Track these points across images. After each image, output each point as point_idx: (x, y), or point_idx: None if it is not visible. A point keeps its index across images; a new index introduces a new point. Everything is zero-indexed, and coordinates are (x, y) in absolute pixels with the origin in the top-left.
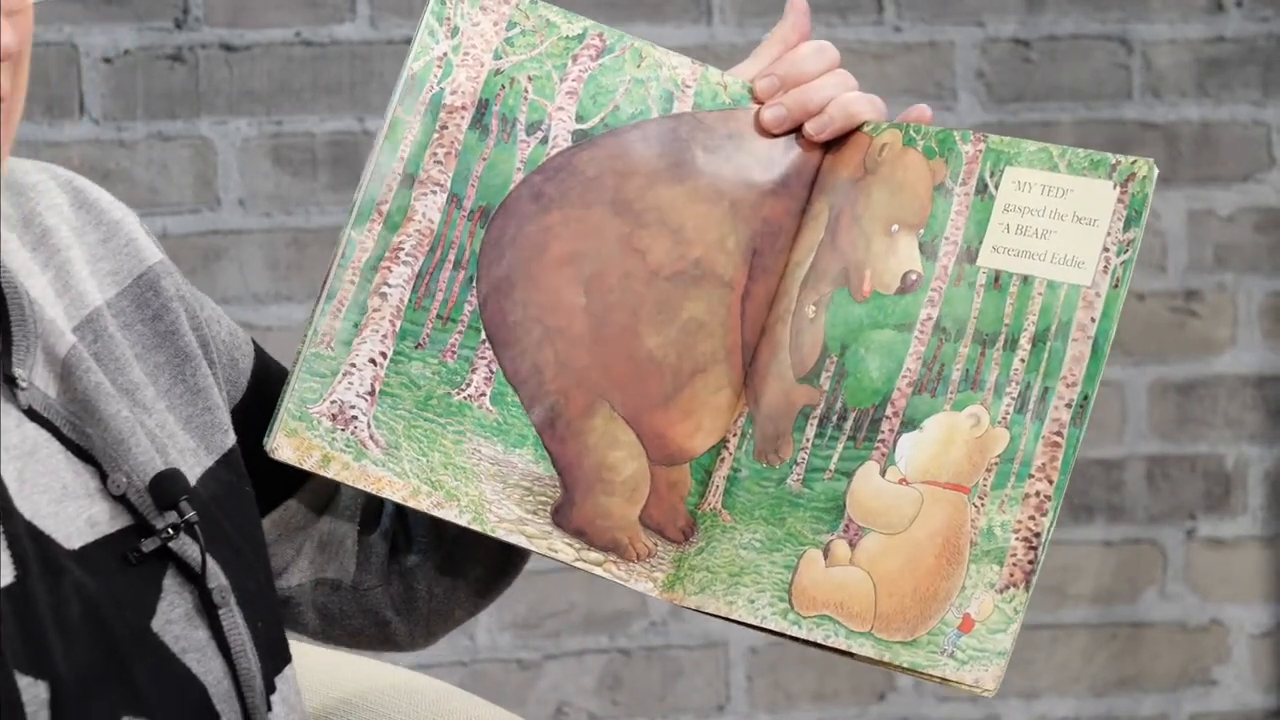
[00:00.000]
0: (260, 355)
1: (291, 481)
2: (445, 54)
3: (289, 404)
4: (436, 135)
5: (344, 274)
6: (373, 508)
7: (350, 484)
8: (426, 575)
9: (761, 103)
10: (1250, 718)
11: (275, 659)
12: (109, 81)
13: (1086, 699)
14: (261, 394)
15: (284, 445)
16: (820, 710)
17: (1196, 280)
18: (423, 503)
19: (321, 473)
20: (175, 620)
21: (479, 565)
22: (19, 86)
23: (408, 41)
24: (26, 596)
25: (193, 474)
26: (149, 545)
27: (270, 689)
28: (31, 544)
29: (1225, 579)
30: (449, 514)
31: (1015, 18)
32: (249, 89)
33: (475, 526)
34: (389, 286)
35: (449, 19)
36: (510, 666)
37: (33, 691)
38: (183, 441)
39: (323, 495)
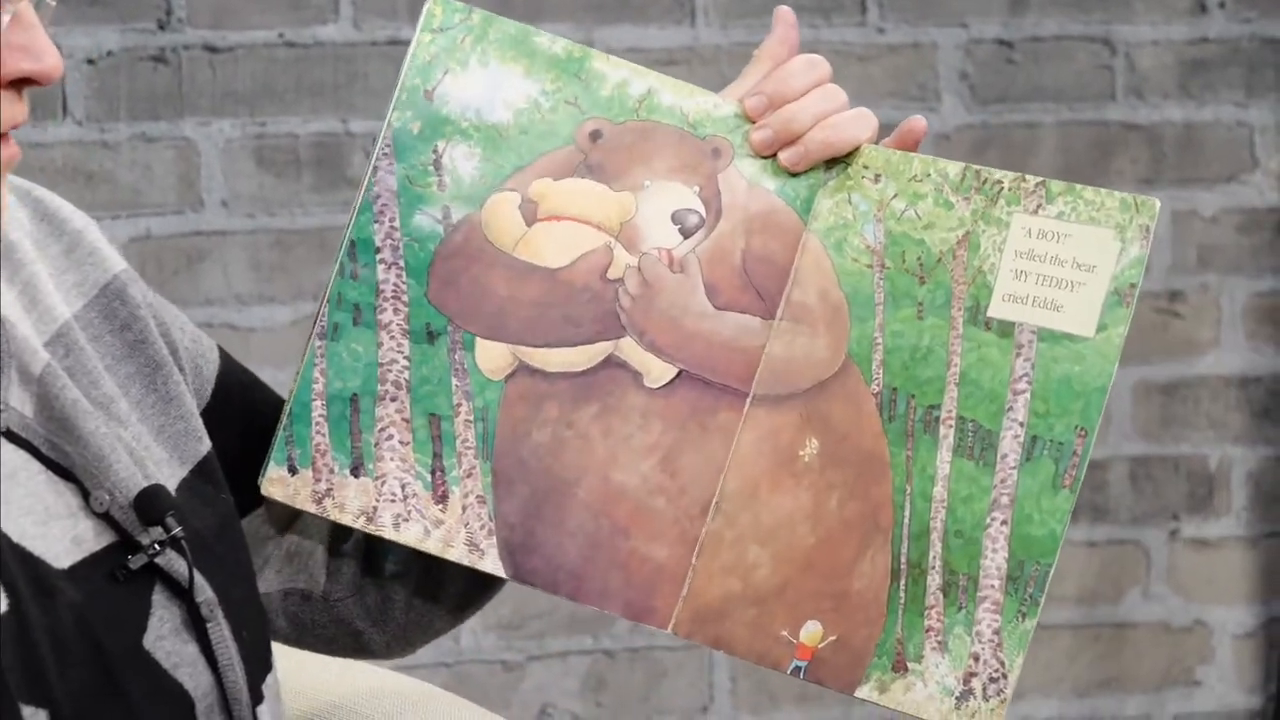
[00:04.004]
0: (226, 359)
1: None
2: None
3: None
4: None
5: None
6: None
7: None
8: (405, 587)
9: (753, 121)
10: (1234, 718)
11: (260, 667)
12: (92, 83)
13: (1070, 700)
14: (227, 401)
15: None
16: (803, 712)
17: (1180, 281)
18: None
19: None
20: (166, 636)
21: (461, 580)
22: None
23: (391, 43)
24: (22, 622)
25: (168, 486)
26: (136, 562)
27: (257, 699)
28: (21, 567)
29: (1209, 580)
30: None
31: (998, 19)
32: (232, 90)
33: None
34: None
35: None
36: (494, 668)
37: None
38: (156, 453)
39: (296, 509)
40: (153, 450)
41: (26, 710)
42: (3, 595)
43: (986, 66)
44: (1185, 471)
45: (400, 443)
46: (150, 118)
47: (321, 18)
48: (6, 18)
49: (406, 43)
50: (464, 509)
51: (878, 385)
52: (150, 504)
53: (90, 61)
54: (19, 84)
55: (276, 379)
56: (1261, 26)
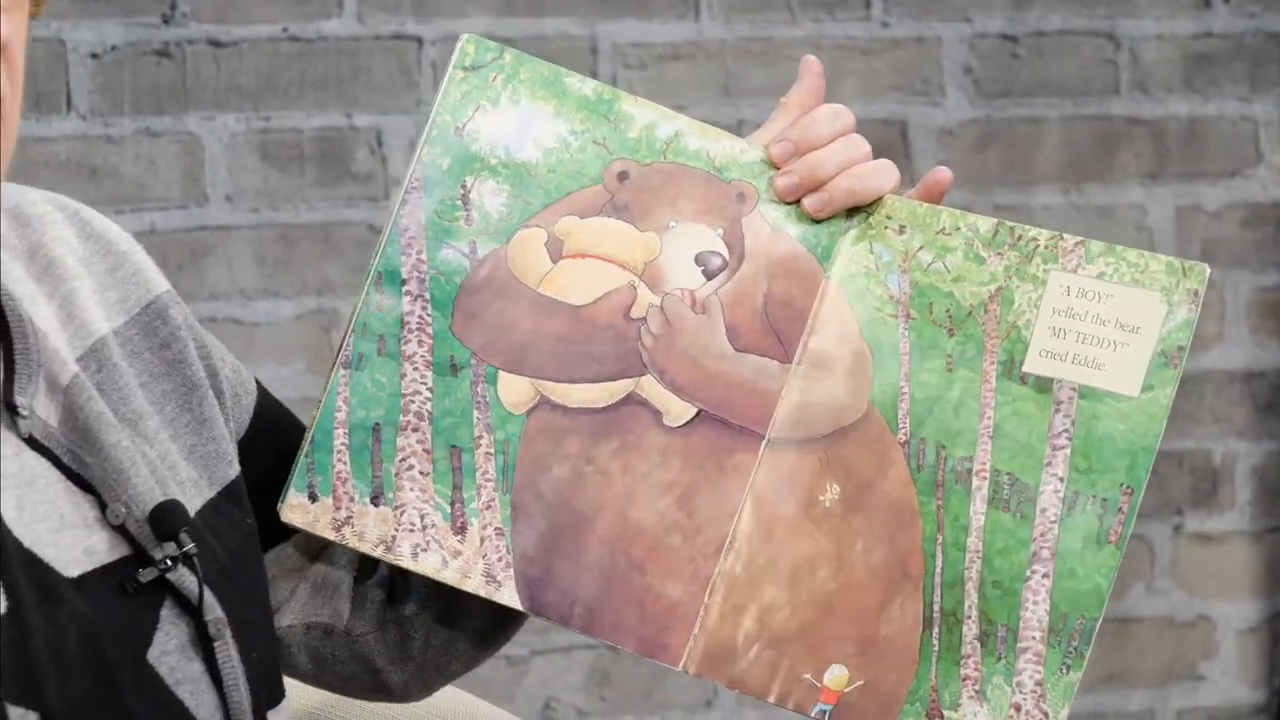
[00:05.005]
0: (262, 391)
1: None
2: None
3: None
4: None
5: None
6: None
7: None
8: (424, 625)
9: (777, 168)
10: (1237, 713)
11: (269, 693)
12: (96, 77)
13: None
14: (264, 433)
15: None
16: None
17: None
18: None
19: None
20: (171, 652)
21: (478, 618)
22: (15, 86)
23: (395, 37)
24: (20, 626)
25: (193, 505)
26: (147, 575)
27: None
28: (29, 572)
29: (1213, 575)
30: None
31: (1002, 13)
32: (236, 85)
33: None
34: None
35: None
36: (498, 662)
37: None
38: (184, 472)
39: (321, 540)
40: (180, 469)
41: (16, 712)
42: (2, 597)
43: (990, 61)
44: (1189, 466)
45: (420, 473)
46: (154, 112)
47: (325, 12)
48: None
49: (411, 37)
50: (482, 541)
51: (905, 434)
52: (165, 519)
53: (94, 56)
54: None
55: (280, 374)
56: (1266, 21)
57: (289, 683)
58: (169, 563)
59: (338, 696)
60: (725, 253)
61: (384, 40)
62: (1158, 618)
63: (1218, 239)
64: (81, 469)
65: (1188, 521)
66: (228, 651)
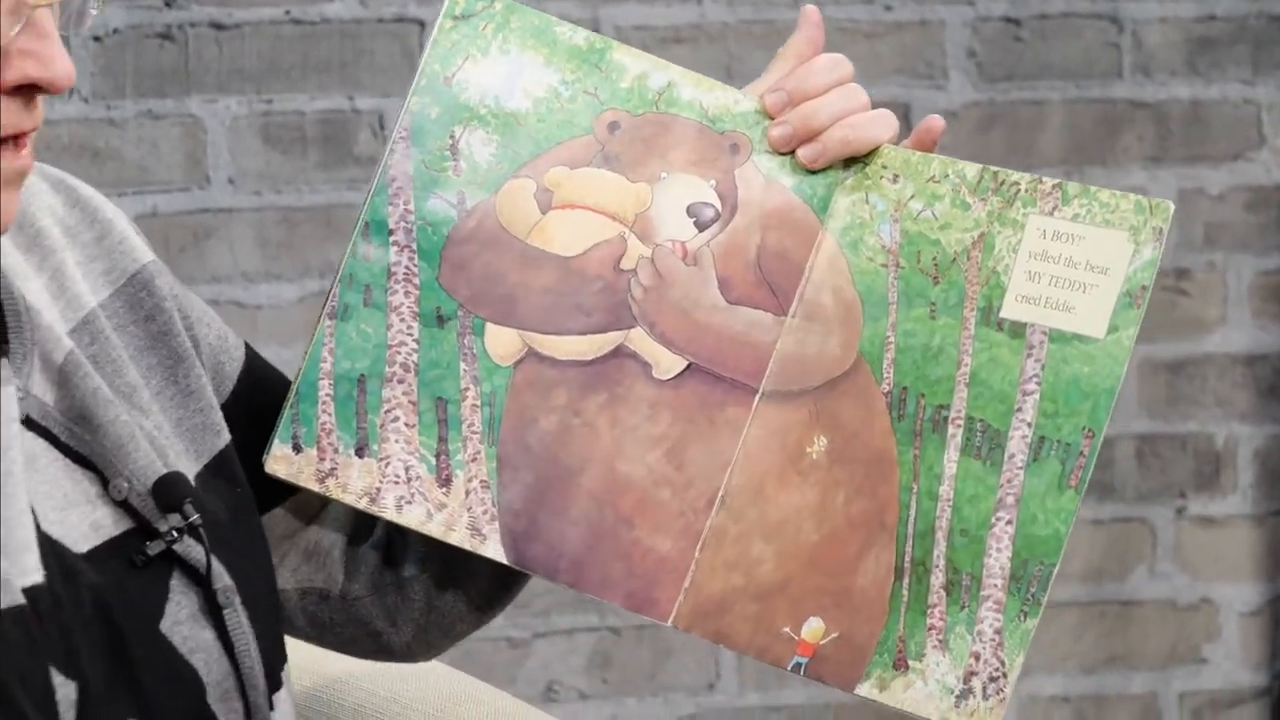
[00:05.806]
0: (251, 357)
1: (279, 489)
2: None
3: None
4: None
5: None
6: (364, 518)
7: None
8: (425, 587)
9: (772, 118)
10: (1240, 696)
11: (277, 656)
12: (98, 60)
13: (1076, 677)
14: (248, 398)
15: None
16: (809, 690)
17: (1186, 259)
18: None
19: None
20: (182, 621)
21: (479, 578)
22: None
23: (397, 20)
24: (54, 596)
25: None
26: (154, 548)
27: (275, 686)
28: (44, 547)
29: (1215, 558)
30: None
31: None
32: (239, 67)
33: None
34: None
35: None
36: (500, 645)
37: (64, 691)
38: (174, 445)
39: (311, 505)
40: (172, 442)
41: (58, 679)
42: (39, 566)
43: (994, 44)
44: (1192, 449)
45: (406, 425)
46: (157, 95)
47: None
48: (17, 26)
49: (413, 20)
50: (467, 493)
51: (888, 384)
52: (169, 491)
53: (97, 39)
54: (27, 91)
55: (282, 356)
56: (1269, 4)
57: (294, 658)
58: (175, 534)
59: (340, 676)
60: (717, 204)
61: (386, 23)
62: (1160, 601)
63: (1220, 222)
64: (80, 446)
65: (1190, 505)
66: (238, 619)
